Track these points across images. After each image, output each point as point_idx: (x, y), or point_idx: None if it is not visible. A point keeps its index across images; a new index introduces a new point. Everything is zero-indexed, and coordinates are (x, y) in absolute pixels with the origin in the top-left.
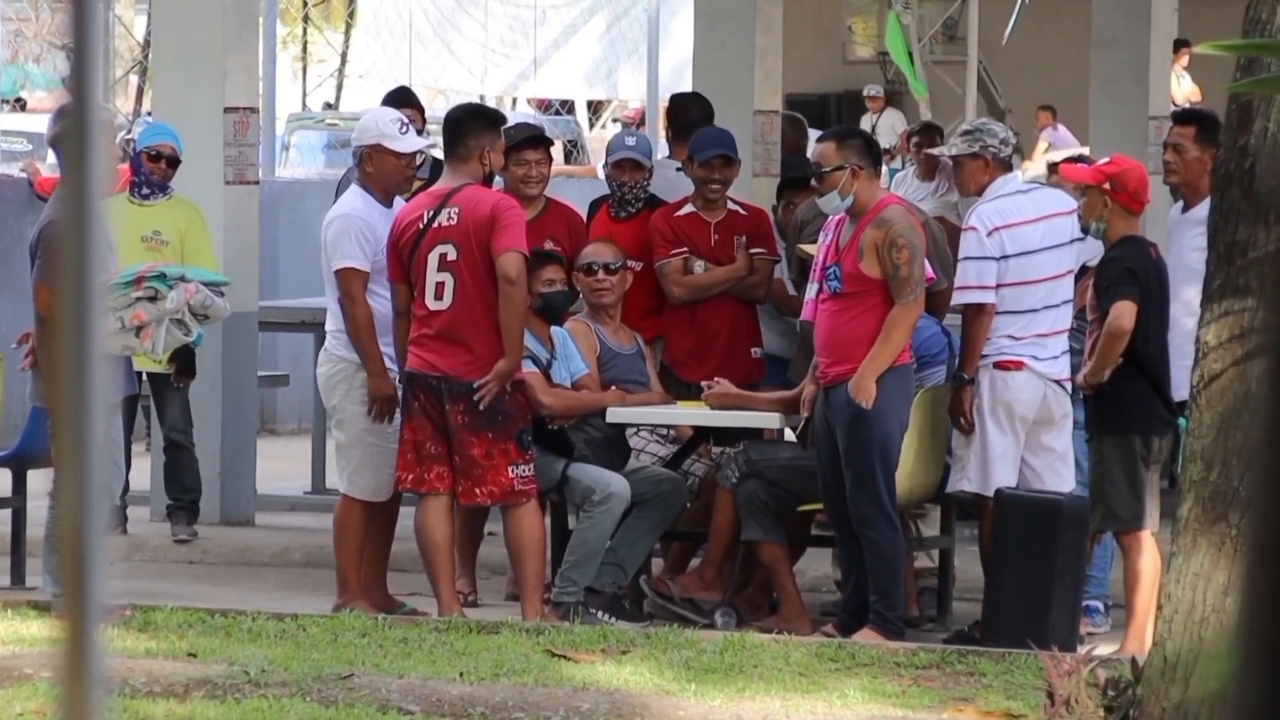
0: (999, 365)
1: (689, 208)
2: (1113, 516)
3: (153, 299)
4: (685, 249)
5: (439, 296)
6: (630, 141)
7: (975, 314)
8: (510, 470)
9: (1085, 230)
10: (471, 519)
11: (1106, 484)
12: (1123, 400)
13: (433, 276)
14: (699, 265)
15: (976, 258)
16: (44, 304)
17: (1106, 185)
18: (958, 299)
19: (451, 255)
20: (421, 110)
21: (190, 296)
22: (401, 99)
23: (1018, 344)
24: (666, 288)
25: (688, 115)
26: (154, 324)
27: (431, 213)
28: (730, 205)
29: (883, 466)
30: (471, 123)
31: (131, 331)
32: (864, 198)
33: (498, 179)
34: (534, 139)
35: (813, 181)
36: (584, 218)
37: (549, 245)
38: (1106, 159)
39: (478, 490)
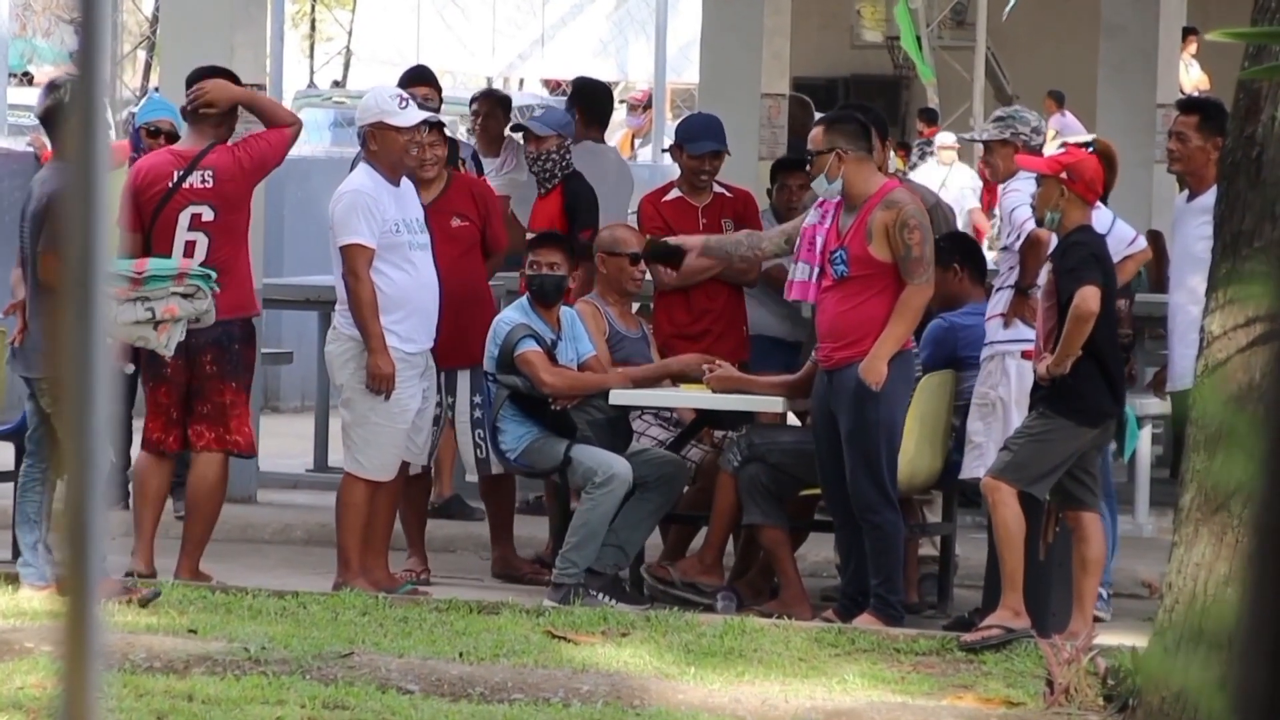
0: (1025, 355)
1: (675, 193)
2: (1016, 468)
3: (188, 296)
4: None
5: (189, 255)
6: (538, 114)
7: (1033, 244)
8: (249, 423)
9: (1039, 221)
10: (416, 495)
11: (1036, 446)
12: (1080, 393)
13: (182, 236)
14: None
15: (1027, 203)
16: (51, 272)
17: (1064, 175)
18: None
19: (207, 216)
20: (438, 88)
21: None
22: (417, 77)
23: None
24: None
25: (596, 99)
26: (175, 321)
27: (181, 173)
28: (716, 189)
29: (887, 450)
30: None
31: (150, 324)
32: (855, 181)
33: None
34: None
35: (807, 166)
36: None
37: (456, 222)
38: (1060, 150)
39: (228, 437)
